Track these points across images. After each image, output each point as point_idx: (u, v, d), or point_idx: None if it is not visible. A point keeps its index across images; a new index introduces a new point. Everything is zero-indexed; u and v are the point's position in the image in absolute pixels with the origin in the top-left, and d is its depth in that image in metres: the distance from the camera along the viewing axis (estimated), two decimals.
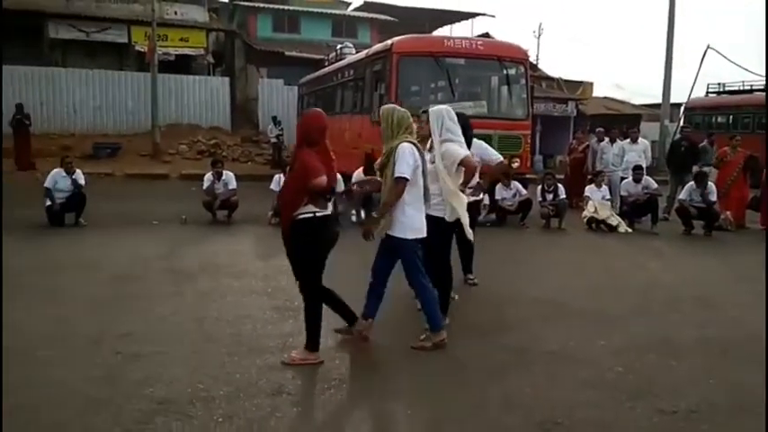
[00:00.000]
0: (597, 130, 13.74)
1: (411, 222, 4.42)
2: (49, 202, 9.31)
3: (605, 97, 33.65)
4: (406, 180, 4.29)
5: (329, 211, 4.19)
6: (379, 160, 4.59)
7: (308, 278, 4.24)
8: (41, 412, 3.43)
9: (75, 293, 5.80)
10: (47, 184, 9.44)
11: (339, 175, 4.47)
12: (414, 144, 4.40)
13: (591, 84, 33.10)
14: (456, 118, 4.92)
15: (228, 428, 3.33)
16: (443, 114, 4.83)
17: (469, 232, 4.84)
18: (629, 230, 10.34)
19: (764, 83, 21.19)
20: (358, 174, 10.63)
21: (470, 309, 5.70)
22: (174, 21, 22.85)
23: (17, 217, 9.41)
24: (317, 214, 4.10)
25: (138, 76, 21.19)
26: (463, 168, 4.73)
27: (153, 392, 3.68)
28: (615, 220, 10.49)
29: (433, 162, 4.74)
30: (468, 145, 5.75)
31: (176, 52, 22.64)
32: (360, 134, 12.06)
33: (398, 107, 4.62)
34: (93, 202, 9.76)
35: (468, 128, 5.84)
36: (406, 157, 4.29)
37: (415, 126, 4.58)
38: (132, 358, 4.24)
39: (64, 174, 9.50)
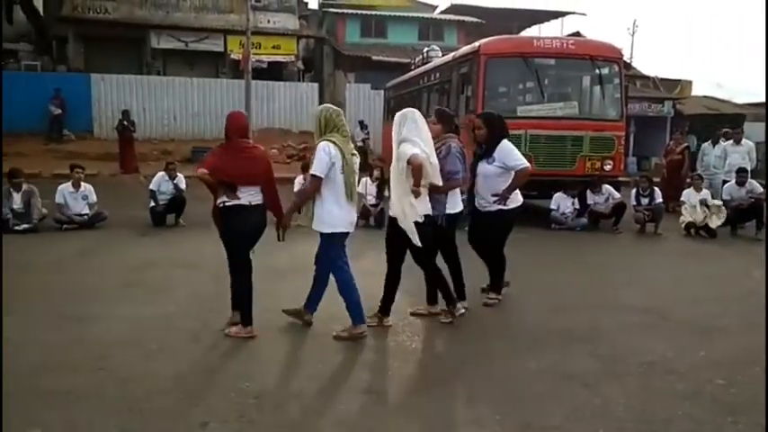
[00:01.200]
0: (723, 130, 13.06)
1: (329, 218, 4.62)
2: (153, 204, 9.92)
3: (705, 96, 31.93)
4: (319, 178, 4.52)
5: (243, 201, 4.57)
6: None
7: (229, 255, 4.80)
8: (143, 401, 3.63)
9: (176, 290, 6.13)
10: (151, 186, 10.06)
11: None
12: (333, 143, 4.54)
13: (689, 82, 31.46)
14: (420, 119, 4.92)
15: (321, 425, 3.43)
16: (406, 116, 4.91)
17: (416, 240, 4.75)
18: (719, 224, 9.92)
19: None
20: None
21: (562, 315, 5.58)
22: (267, 29, 23.63)
23: (124, 217, 10.06)
24: (226, 203, 4.58)
25: (233, 83, 22.05)
26: (410, 167, 4.71)
27: (249, 387, 3.84)
28: (713, 221, 9.97)
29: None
30: (496, 145, 5.54)
31: (269, 59, 23.41)
32: None
33: (332, 106, 4.80)
34: (191, 204, 10.25)
35: (500, 127, 5.65)
36: (321, 156, 4.50)
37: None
38: (230, 353, 4.45)
39: (167, 178, 10.07)
